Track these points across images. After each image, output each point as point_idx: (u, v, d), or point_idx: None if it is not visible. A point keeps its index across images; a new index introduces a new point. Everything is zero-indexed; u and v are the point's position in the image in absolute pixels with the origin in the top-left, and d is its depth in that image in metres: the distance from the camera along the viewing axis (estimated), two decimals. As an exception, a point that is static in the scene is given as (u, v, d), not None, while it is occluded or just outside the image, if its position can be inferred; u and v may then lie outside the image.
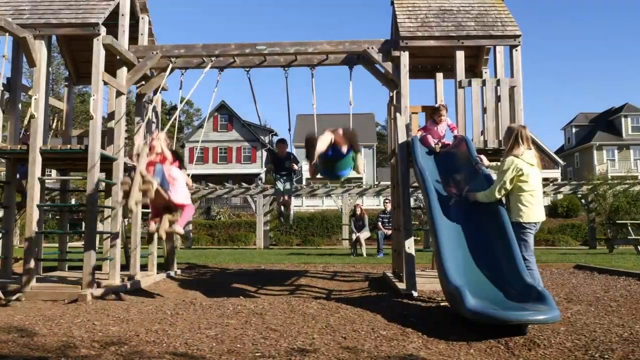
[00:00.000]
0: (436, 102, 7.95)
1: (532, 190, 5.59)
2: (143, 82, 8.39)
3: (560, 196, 30.07)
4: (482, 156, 6.48)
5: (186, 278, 9.25)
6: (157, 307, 5.66)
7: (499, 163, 6.00)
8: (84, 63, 8.61)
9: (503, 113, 7.44)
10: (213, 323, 4.83)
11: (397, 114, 7.55)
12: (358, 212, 16.70)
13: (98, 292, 6.65)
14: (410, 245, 6.77)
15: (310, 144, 6.08)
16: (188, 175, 6.65)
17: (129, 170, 7.01)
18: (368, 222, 16.70)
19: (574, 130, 51.56)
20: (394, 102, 8.12)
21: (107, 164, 7.43)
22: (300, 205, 35.93)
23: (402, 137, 7.35)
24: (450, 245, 5.60)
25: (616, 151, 46.72)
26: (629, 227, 15.77)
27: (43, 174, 7.14)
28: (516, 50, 7.59)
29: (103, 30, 6.98)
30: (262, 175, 47.53)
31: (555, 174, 42.12)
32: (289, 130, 8.24)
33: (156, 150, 5.98)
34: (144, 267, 8.80)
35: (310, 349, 3.90)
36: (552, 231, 30.70)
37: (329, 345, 4.05)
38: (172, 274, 9.36)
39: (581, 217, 29.34)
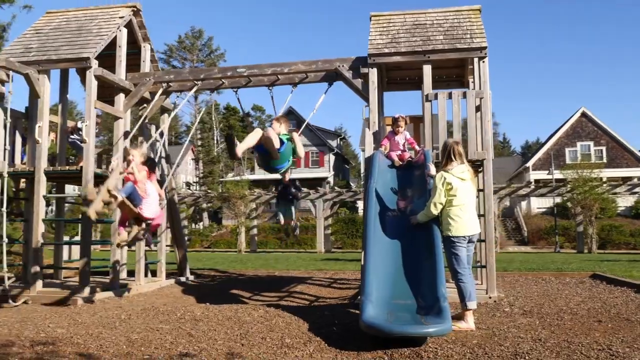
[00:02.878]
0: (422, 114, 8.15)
1: (462, 204, 5.71)
2: (145, 105, 9.21)
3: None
4: (430, 164, 6.65)
5: (193, 284, 9.98)
6: (120, 312, 6.36)
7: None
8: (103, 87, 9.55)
9: (470, 125, 7.54)
10: (148, 328, 5.44)
11: (366, 129, 7.85)
12: None
13: (90, 296, 7.49)
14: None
15: (230, 140, 6.09)
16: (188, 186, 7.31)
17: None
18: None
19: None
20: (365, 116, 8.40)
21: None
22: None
23: (368, 151, 7.64)
24: (380, 259, 5.86)
25: None
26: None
27: (49, 192, 8.10)
28: (483, 62, 7.66)
29: (95, 63, 7.83)
30: (331, 179, 48.24)
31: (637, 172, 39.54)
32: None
33: (129, 170, 6.62)
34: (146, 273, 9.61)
35: (194, 354, 4.39)
36: (635, 234, 29.09)
37: (218, 350, 4.53)
38: (182, 279, 10.12)
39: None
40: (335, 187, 39.67)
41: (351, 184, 52.68)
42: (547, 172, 40.25)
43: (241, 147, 6.06)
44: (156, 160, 9.51)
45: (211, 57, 49.15)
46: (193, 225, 41.55)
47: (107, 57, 8.59)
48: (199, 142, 48.64)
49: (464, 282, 5.64)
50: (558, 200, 32.12)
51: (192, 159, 51.61)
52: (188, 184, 47.68)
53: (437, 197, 5.69)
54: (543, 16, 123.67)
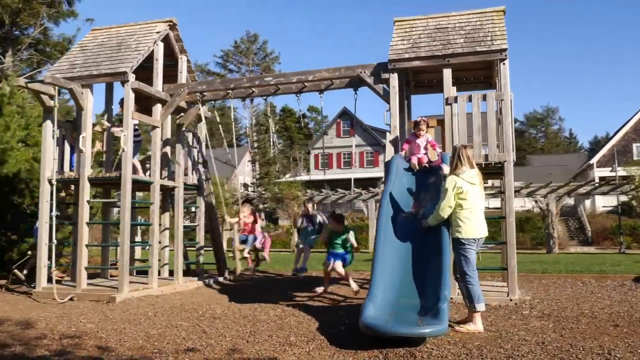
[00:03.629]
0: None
1: (472, 207, 5.81)
2: (182, 114, 9.73)
3: None
4: (444, 165, 6.76)
5: (230, 284, 10.41)
6: (149, 310, 6.84)
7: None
8: (145, 98, 10.15)
9: (490, 127, 7.56)
10: (169, 324, 5.86)
11: (387, 133, 8.00)
12: None
13: (128, 295, 8.04)
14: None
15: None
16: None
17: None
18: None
19: None
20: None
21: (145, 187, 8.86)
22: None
23: (388, 155, 7.80)
24: (389, 261, 6.04)
25: None
26: None
27: (93, 197, 8.74)
28: (504, 63, 7.65)
29: (132, 76, 8.38)
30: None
31: None
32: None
33: (241, 226, 9.37)
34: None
35: (199, 349, 4.75)
36: None
37: (223, 346, 4.86)
38: (220, 279, 10.59)
39: None
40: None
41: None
42: (610, 169, 38.57)
43: None
44: (192, 165, 10.04)
45: (266, 60, 50.24)
46: (250, 226, 42.53)
47: (146, 70, 9.16)
48: (255, 144, 49.77)
49: (473, 285, 5.71)
50: (623, 198, 30.74)
51: (249, 161, 52.84)
52: (245, 185, 48.80)
53: (447, 200, 5.80)
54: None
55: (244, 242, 9.36)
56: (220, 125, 11.02)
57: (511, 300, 7.29)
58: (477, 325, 5.65)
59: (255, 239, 9.39)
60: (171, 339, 5.15)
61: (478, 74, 9.24)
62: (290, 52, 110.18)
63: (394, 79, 8.01)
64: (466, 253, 5.78)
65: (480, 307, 5.68)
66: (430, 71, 8.98)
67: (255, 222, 9.51)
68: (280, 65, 51.15)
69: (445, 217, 5.92)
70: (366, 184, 40.89)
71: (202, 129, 10.31)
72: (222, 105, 54.62)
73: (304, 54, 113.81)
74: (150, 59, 9.10)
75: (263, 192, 37.45)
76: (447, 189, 5.82)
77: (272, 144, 52.03)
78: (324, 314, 6.45)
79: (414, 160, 7.44)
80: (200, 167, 10.19)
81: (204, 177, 10.18)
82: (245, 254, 9.41)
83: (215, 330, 5.56)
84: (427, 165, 7.39)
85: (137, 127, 9.41)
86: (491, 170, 7.81)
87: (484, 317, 6.27)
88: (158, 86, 9.07)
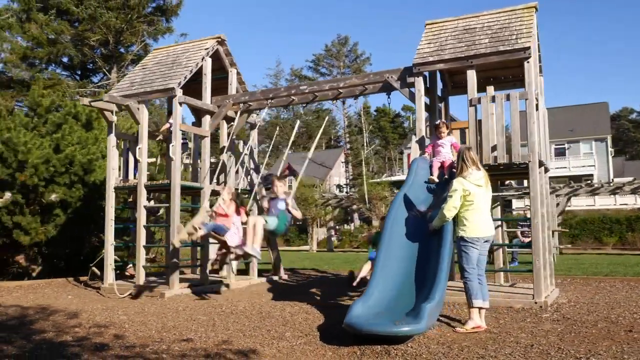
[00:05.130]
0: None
1: (477, 208, 5.92)
2: (232, 123, 10.43)
3: None
4: (432, 177, 7.26)
5: (282, 282, 10.95)
6: (182, 305, 7.53)
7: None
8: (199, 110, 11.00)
9: (514, 127, 7.45)
10: (189, 318, 6.48)
11: (413, 136, 8.12)
12: None
13: (178, 291, 8.84)
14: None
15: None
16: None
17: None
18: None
19: None
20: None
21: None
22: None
23: (413, 156, 7.93)
24: (391, 261, 6.23)
25: None
26: None
27: (148, 201, 9.66)
28: (527, 62, 7.49)
29: (179, 92, 9.18)
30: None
31: None
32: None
33: (219, 211, 7.75)
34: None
35: (193, 339, 5.28)
36: None
37: (218, 337, 5.36)
38: (275, 278, 11.17)
39: None
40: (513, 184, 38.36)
41: (512, 182, 50.30)
42: None
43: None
44: (244, 171, 10.71)
45: (357, 62, 50.73)
46: (344, 226, 43.21)
47: (199, 84, 9.95)
48: (348, 146, 50.40)
49: (470, 281, 5.84)
50: None
51: (343, 162, 53.60)
52: (339, 187, 49.60)
53: (452, 201, 5.94)
54: None
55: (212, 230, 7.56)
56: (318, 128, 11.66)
57: (536, 302, 7.13)
58: (475, 320, 5.75)
59: (222, 230, 7.49)
60: (179, 330, 5.74)
61: (517, 71, 9.03)
62: (381, 52, 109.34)
63: (419, 82, 8.10)
64: (467, 250, 5.91)
65: (478, 302, 5.78)
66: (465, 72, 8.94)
67: (237, 213, 7.88)
68: (371, 67, 51.52)
69: (450, 217, 6.04)
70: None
71: (254, 136, 10.96)
72: (317, 108, 55.99)
73: (394, 51, 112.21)
74: (201, 73, 9.88)
75: (352, 193, 37.92)
76: (454, 190, 5.94)
77: (365, 144, 52.38)
78: (335, 313, 6.71)
79: (435, 173, 7.43)
80: (252, 172, 10.85)
81: (255, 182, 10.83)
82: (195, 237, 7.93)
83: (224, 324, 6.09)
84: (446, 177, 7.36)
85: (185, 136, 10.29)
86: (515, 171, 7.68)
87: (497, 318, 6.30)
88: (207, 99, 9.82)
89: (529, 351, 4.89)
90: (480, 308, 5.82)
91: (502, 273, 9.06)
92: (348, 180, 50.77)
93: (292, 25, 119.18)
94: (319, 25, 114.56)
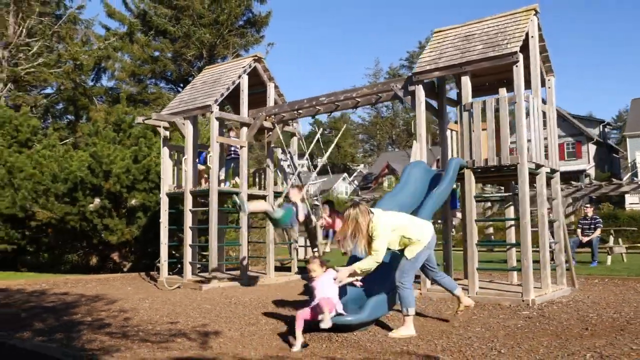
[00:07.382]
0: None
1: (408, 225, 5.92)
2: (270, 133, 11.44)
3: None
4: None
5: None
6: (202, 296, 8.61)
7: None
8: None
9: (502, 131, 7.69)
10: (197, 307, 7.53)
11: (414, 141, 8.59)
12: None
13: (215, 285, 10.00)
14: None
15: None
16: None
17: None
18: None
19: None
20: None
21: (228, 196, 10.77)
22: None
23: (412, 160, 8.40)
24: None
25: None
26: None
27: (194, 206, 10.91)
28: (516, 66, 7.68)
29: (216, 108, 10.34)
30: (591, 171, 44.07)
31: None
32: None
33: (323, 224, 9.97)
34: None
35: (179, 322, 6.30)
36: None
37: (198, 322, 6.33)
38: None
39: None
40: (593, 181, 36.18)
41: (621, 176, 46.90)
42: None
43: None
44: (283, 176, 11.68)
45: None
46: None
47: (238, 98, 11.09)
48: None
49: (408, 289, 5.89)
50: None
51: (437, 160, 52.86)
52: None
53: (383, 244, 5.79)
54: None
55: (325, 237, 10.75)
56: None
57: (523, 300, 7.33)
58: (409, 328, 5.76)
59: (334, 233, 10.37)
60: (176, 317, 6.79)
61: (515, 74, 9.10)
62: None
63: (419, 90, 8.53)
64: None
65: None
66: (478, 75, 9.19)
67: (334, 220, 10.32)
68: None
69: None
70: (566, 177, 38.01)
71: (294, 144, 11.91)
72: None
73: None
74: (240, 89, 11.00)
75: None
76: (382, 234, 5.74)
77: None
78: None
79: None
80: (291, 177, 11.79)
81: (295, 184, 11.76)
82: (327, 248, 10.71)
83: (217, 311, 7.08)
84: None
85: (233, 148, 11.52)
86: (506, 173, 7.88)
87: (476, 314, 6.63)
88: (244, 113, 10.91)
89: (460, 342, 5.27)
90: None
91: (515, 272, 9.18)
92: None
93: (385, 25, 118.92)
94: (411, 24, 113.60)
